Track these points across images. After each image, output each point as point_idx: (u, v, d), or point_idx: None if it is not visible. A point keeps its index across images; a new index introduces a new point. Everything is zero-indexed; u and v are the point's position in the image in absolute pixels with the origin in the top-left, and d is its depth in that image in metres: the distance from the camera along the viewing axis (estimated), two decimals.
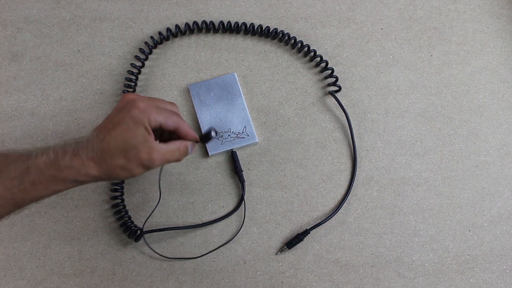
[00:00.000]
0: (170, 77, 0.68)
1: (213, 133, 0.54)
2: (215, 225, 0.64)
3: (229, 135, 0.65)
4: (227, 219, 0.64)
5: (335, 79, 0.67)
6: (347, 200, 0.65)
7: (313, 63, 0.69)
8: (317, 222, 0.63)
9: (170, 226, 0.63)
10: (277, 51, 0.69)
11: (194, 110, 0.66)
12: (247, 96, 0.68)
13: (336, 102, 0.67)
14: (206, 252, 0.63)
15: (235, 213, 0.64)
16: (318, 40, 0.70)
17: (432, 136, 0.67)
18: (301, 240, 0.63)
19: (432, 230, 0.64)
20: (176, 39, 0.69)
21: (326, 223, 0.64)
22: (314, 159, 0.66)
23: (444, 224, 0.64)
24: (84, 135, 0.48)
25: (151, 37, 0.68)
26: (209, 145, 0.65)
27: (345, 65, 0.69)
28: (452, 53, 0.69)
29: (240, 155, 0.66)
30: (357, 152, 0.66)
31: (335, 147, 0.66)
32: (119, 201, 0.63)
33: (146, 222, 0.63)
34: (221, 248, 0.63)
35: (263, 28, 0.68)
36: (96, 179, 0.47)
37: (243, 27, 0.68)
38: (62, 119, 0.67)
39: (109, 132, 0.46)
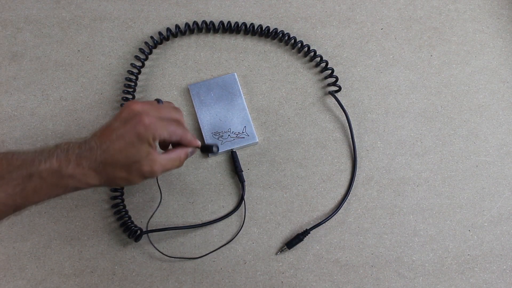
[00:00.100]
0: (170, 77, 0.68)
1: (214, 149, 0.55)
2: (215, 225, 0.64)
3: (229, 135, 0.65)
4: (227, 219, 0.64)
5: (335, 79, 0.67)
6: (347, 200, 0.65)
7: (313, 63, 0.69)
8: (317, 222, 0.63)
9: (170, 226, 0.63)
10: (277, 51, 0.69)
11: (194, 110, 0.66)
12: (247, 96, 0.68)
13: (336, 102, 0.67)
14: (207, 252, 0.63)
15: (235, 213, 0.64)
16: (318, 40, 0.70)
17: (432, 136, 0.67)
18: (301, 240, 0.63)
19: (432, 230, 0.64)
20: (176, 39, 0.69)
21: (326, 223, 0.64)
22: (314, 159, 0.66)
23: (444, 224, 0.64)
24: (87, 137, 0.48)
25: (151, 37, 0.68)
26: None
27: (345, 65, 0.69)
28: (452, 53, 0.69)
29: (240, 155, 0.66)
30: (357, 152, 0.66)
31: (335, 147, 0.66)
32: (119, 201, 0.63)
33: (146, 222, 0.63)
34: (221, 248, 0.63)
35: (263, 28, 0.68)
36: (96, 186, 0.49)
37: (243, 27, 0.68)
38: (62, 119, 0.67)
39: (113, 143, 0.46)
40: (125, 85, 0.66)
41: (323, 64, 0.68)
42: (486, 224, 0.64)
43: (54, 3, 0.70)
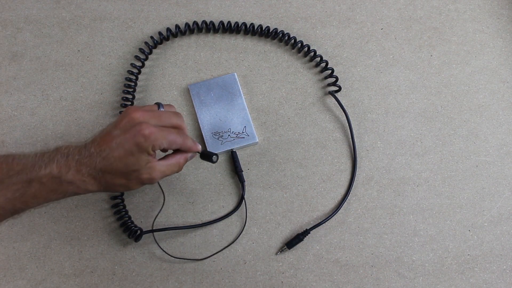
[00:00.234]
0: (170, 77, 0.68)
1: (214, 158, 0.55)
2: (215, 225, 0.64)
3: (229, 135, 0.65)
4: (227, 219, 0.64)
5: (335, 79, 0.67)
6: (347, 200, 0.65)
7: (313, 63, 0.69)
8: (317, 222, 0.63)
9: (170, 226, 0.63)
10: (277, 51, 0.69)
11: (194, 110, 0.66)
12: (247, 96, 0.68)
13: (336, 102, 0.67)
14: (211, 254, 0.62)
15: (235, 213, 0.64)
16: (318, 40, 0.70)
17: (432, 136, 0.67)
18: (301, 240, 0.63)
19: (432, 230, 0.64)
20: (176, 39, 0.69)
21: (326, 223, 0.64)
22: (314, 159, 0.66)
23: (444, 224, 0.64)
24: (87, 141, 0.48)
25: (151, 37, 0.68)
26: (209, 145, 0.65)
27: (345, 65, 0.69)
28: (452, 53, 0.69)
29: (240, 155, 0.66)
30: (357, 152, 0.66)
31: (335, 147, 0.66)
32: (119, 201, 0.63)
33: (146, 222, 0.63)
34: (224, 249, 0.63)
35: (263, 28, 0.68)
36: (95, 192, 0.49)
37: (243, 27, 0.68)
38: (62, 119, 0.67)
39: (112, 151, 0.46)
40: (125, 85, 0.66)
41: (323, 64, 0.68)
42: (486, 224, 0.64)
43: (54, 3, 0.70)
